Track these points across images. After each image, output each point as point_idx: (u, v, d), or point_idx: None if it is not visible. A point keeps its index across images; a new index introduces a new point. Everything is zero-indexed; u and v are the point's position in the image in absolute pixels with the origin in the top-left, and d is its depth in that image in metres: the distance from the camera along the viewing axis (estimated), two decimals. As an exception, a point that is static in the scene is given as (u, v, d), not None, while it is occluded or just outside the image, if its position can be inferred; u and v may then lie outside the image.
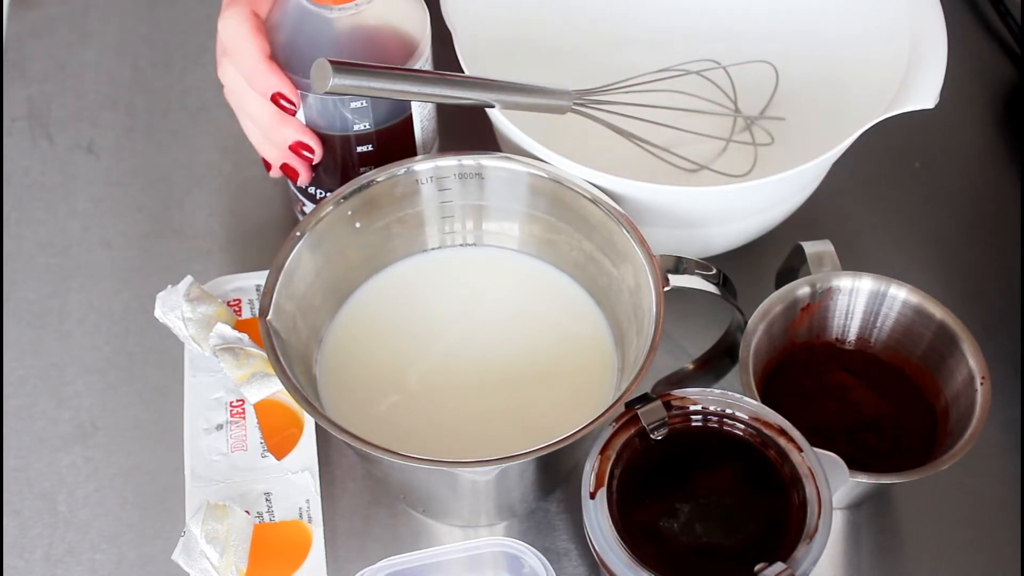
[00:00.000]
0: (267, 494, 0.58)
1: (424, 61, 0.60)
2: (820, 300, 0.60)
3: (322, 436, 0.60)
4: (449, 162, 0.59)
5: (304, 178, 0.61)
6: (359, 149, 0.60)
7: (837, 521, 0.58)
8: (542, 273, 0.62)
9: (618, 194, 0.58)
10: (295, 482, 0.58)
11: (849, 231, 0.70)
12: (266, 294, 0.54)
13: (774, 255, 0.64)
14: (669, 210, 0.59)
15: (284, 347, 0.53)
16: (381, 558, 0.54)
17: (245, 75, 0.58)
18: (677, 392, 0.55)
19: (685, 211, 0.60)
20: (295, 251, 0.56)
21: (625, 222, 0.56)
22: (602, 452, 0.53)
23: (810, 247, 0.60)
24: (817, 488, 0.52)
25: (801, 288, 0.59)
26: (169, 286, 0.62)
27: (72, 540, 0.59)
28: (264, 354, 0.59)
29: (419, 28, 0.59)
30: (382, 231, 0.60)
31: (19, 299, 0.67)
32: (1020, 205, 0.72)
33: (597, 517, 0.51)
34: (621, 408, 0.53)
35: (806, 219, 0.66)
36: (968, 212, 0.73)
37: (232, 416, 0.61)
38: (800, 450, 0.53)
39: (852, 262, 0.61)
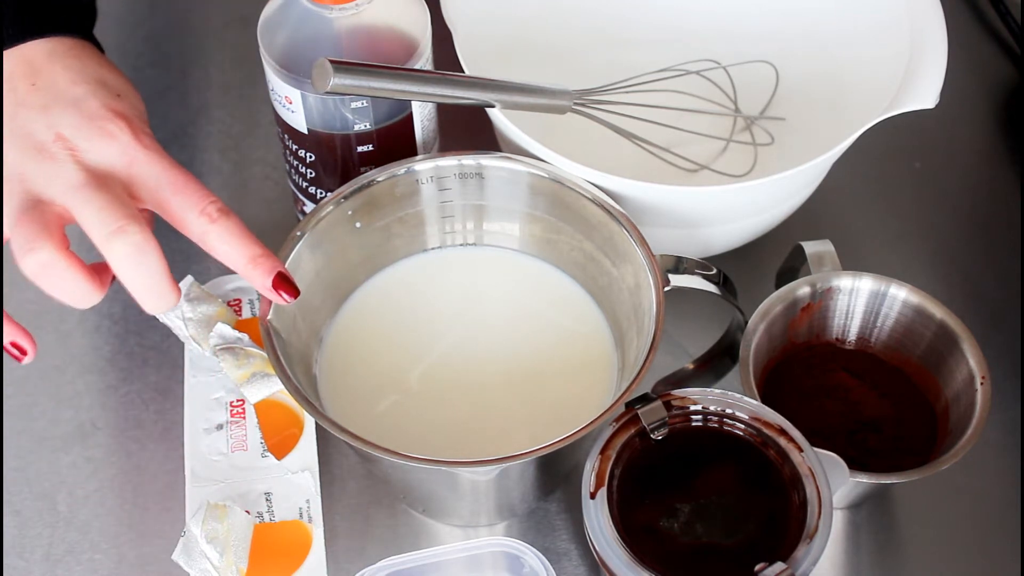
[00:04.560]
0: (267, 494, 0.58)
1: (424, 61, 0.60)
2: (820, 300, 0.60)
3: (322, 436, 0.60)
4: (449, 162, 0.59)
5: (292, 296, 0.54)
6: (359, 149, 0.60)
7: (837, 521, 0.59)
8: (542, 273, 0.62)
9: (618, 194, 0.58)
10: (295, 482, 0.58)
11: (849, 231, 0.70)
12: (266, 294, 0.54)
13: (774, 255, 0.64)
14: (669, 210, 0.59)
15: (284, 347, 0.53)
16: (381, 558, 0.54)
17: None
18: (677, 392, 0.55)
19: (685, 211, 0.60)
20: (295, 251, 0.56)
21: (625, 222, 0.56)
22: (602, 452, 0.53)
23: (810, 247, 0.60)
24: (817, 488, 0.52)
25: (801, 288, 0.59)
26: (169, 285, 0.62)
27: (72, 540, 0.59)
28: (264, 354, 0.59)
29: (419, 28, 0.59)
30: (382, 231, 0.60)
31: (19, 299, 0.67)
32: (1020, 205, 0.72)
33: (597, 517, 0.51)
34: (621, 408, 0.53)
35: (806, 219, 0.66)
36: (968, 212, 0.73)
37: (232, 416, 0.61)
38: (800, 450, 0.53)
39: (852, 262, 0.61)
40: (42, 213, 0.50)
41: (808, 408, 0.58)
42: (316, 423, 0.58)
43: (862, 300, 0.60)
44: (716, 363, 0.62)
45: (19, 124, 0.52)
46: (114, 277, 0.51)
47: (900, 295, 0.59)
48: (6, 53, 0.54)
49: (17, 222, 0.50)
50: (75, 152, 0.51)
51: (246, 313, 0.64)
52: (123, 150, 0.52)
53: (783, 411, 0.54)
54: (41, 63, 0.54)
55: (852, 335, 0.61)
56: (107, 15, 0.82)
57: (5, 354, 0.52)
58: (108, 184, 0.51)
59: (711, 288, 0.56)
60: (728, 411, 0.54)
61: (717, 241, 0.64)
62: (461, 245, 0.63)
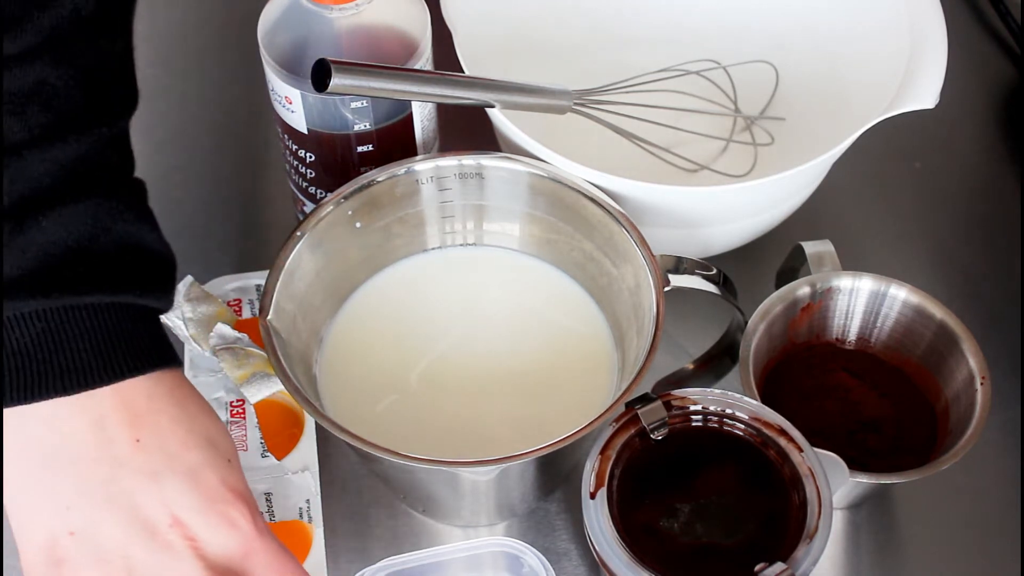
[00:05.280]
0: (267, 494, 0.58)
1: (424, 61, 0.60)
2: (820, 300, 0.60)
3: (322, 436, 0.60)
4: (449, 162, 0.59)
5: None
6: (359, 149, 0.60)
7: (837, 521, 0.58)
8: (542, 273, 0.62)
9: (618, 194, 0.58)
10: (295, 482, 0.58)
11: (849, 231, 0.70)
12: (266, 294, 0.54)
13: (774, 255, 0.64)
14: (669, 210, 0.59)
15: (284, 347, 0.53)
16: (381, 558, 0.54)
17: None
18: (677, 392, 0.55)
19: (685, 211, 0.60)
20: (295, 251, 0.56)
21: (625, 222, 0.56)
22: (602, 452, 0.53)
23: (810, 247, 0.60)
24: (817, 488, 0.52)
25: (801, 288, 0.59)
26: (169, 286, 0.62)
27: (72, 540, 0.59)
28: (264, 354, 0.59)
29: (419, 28, 0.59)
30: (382, 231, 0.60)
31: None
32: (1020, 205, 0.72)
33: (597, 517, 0.51)
34: (621, 408, 0.53)
35: (806, 219, 0.66)
36: (968, 212, 0.73)
37: (232, 416, 0.61)
38: (800, 450, 0.53)
39: (852, 262, 0.61)
40: None
41: (808, 408, 0.58)
42: (316, 423, 0.58)
43: (862, 300, 0.60)
44: (716, 363, 0.62)
45: (123, 492, 0.45)
46: None
47: (900, 295, 0.59)
48: (99, 391, 0.45)
49: None
50: (195, 543, 0.45)
51: (246, 313, 0.64)
52: (244, 541, 0.46)
53: (783, 411, 0.54)
54: (143, 409, 0.46)
55: (852, 335, 0.61)
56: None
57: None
58: None
59: (711, 288, 0.56)
60: (728, 411, 0.54)
61: (717, 241, 0.64)
62: (461, 245, 0.63)
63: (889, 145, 0.71)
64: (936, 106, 0.59)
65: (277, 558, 0.47)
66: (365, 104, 0.58)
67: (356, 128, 0.59)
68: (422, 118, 0.61)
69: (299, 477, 0.59)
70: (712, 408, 0.54)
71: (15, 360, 0.44)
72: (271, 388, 0.60)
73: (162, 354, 0.48)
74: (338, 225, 0.58)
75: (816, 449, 0.53)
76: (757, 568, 0.49)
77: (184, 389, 0.48)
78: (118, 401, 0.45)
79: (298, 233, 0.56)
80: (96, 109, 0.46)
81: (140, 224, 0.48)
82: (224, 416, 0.61)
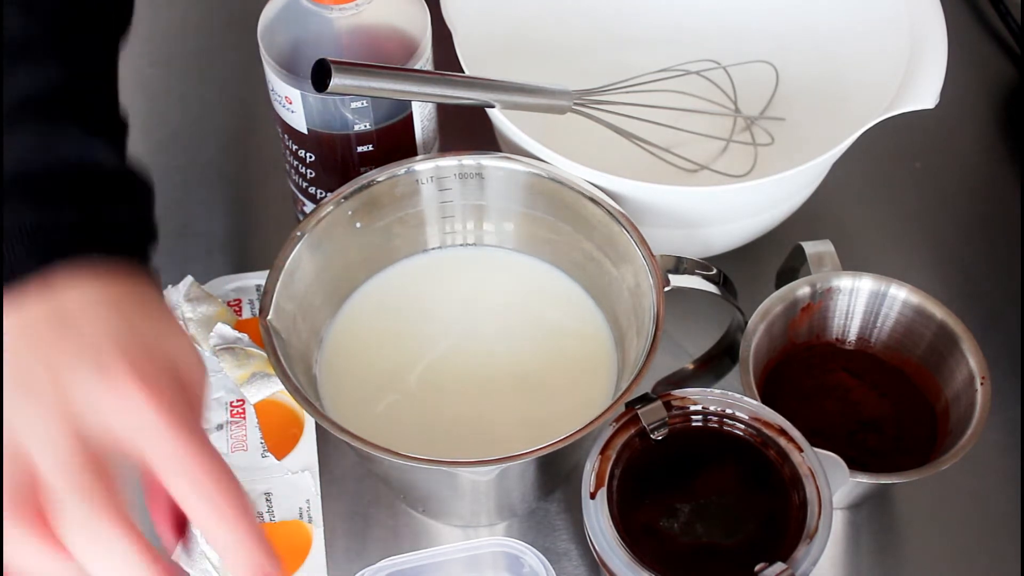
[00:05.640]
0: (267, 494, 0.58)
1: (424, 61, 0.60)
2: (820, 300, 0.60)
3: (322, 436, 0.60)
4: (449, 162, 0.59)
5: None
6: (359, 149, 0.60)
7: (837, 521, 0.58)
8: (542, 273, 0.62)
9: (618, 194, 0.58)
10: (295, 482, 0.58)
11: (849, 231, 0.70)
12: (266, 294, 0.54)
13: (774, 255, 0.64)
14: (669, 210, 0.59)
15: (284, 347, 0.53)
16: (381, 558, 0.54)
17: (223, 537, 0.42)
18: (677, 392, 0.55)
19: (685, 211, 0.60)
20: (295, 251, 0.56)
21: (625, 222, 0.56)
22: (602, 452, 0.53)
23: (810, 247, 0.60)
24: (817, 488, 0.52)
25: (801, 288, 0.59)
26: (169, 286, 0.62)
27: (72, 540, 0.59)
28: (264, 354, 0.59)
29: (419, 28, 0.59)
30: (382, 231, 0.60)
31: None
32: (1020, 205, 0.72)
33: (597, 517, 0.51)
34: (621, 408, 0.53)
35: (806, 219, 0.66)
36: (968, 212, 0.73)
37: (232, 416, 0.61)
38: (800, 450, 0.53)
39: (852, 262, 0.61)
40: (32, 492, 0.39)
41: (808, 408, 0.58)
42: (316, 423, 0.58)
43: (862, 300, 0.60)
44: (716, 363, 0.62)
45: (19, 362, 0.41)
46: None
47: (900, 295, 0.59)
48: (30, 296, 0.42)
49: (5, 504, 0.39)
50: (67, 398, 0.40)
51: (246, 313, 0.64)
52: (139, 419, 0.40)
53: (783, 411, 0.54)
54: (75, 312, 0.42)
55: (852, 335, 0.61)
56: (107, 15, 0.82)
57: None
58: (97, 457, 0.40)
59: (711, 288, 0.56)
60: (728, 411, 0.54)
61: (717, 241, 0.64)
62: (461, 245, 0.63)
63: (889, 145, 0.71)
64: (936, 106, 0.59)
65: (187, 450, 0.40)
66: (365, 104, 0.58)
67: (356, 128, 0.59)
68: (422, 118, 0.61)
69: (299, 477, 0.59)
70: (712, 408, 0.54)
71: None
72: (271, 388, 0.60)
73: (118, 245, 0.45)
74: (338, 225, 0.58)
75: (816, 449, 0.53)
76: (757, 568, 0.49)
77: (135, 296, 0.44)
78: (53, 308, 0.42)
79: (298, 233, 0.56)
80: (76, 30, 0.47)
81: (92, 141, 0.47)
82: (224, 416, 0.61)
